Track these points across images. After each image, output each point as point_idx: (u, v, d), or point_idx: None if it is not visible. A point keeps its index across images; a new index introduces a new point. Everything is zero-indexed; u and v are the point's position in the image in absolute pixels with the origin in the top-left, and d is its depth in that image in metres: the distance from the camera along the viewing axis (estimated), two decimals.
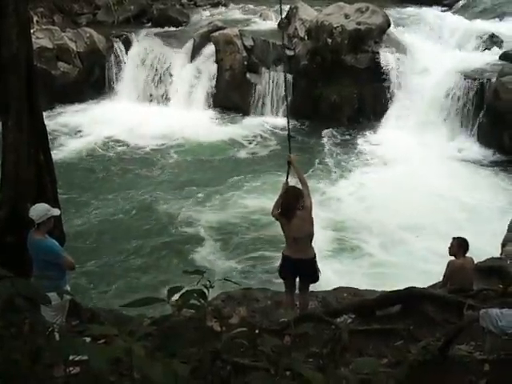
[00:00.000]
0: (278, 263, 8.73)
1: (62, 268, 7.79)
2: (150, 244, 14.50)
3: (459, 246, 9.04)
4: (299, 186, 8.51)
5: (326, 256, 13.72)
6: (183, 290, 2.87)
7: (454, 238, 9.14)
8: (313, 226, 8.11)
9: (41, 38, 22.04)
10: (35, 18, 22.86)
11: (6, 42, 9.16)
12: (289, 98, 21.70)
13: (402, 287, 8.75)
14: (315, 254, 8.21)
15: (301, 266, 8.10)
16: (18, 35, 9.15)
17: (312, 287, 8.74)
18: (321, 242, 14.45)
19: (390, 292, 8.95)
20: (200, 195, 16.85)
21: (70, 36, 23.40)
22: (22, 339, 3.26)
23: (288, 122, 9.44)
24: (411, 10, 24.25)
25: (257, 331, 7.17)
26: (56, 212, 7.95)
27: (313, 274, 8.22)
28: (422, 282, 9.58)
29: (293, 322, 7.58)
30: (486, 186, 17.14)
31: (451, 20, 22.93)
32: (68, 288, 7.88)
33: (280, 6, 10.99)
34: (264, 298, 9.27)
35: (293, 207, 8.03)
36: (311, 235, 8.13)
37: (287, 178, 8.73)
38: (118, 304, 10.87)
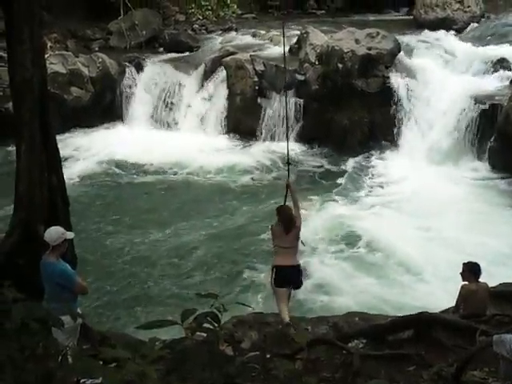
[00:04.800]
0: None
1: (74, 291, 7.81)
2: (160, 269, 14.47)
3: (469, 270, 9.00)
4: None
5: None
6: (196, 313, 2.88)
7: (464, 263, 9.11)
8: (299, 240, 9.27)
9: (54, 63, 22.24)
10: (49, 44, 23.11)
11: (20, 68, 9.28)
12: (299, 123, 21.91)
13: (413, 312, 8.72)
14: (299, 264, 9.28)
15: (292, 272, 9.08)
16: (32, 61, 9.27)
17: (323, 312, 8.86)
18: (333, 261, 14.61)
19: (402, 317, 8.90)
20: (208, 220, 16.76)
21: (83, 61, 23.61)
22: (34, 361, 3.27)
23: (288, 150, 10.13)
24: (421, 35, 24.30)
25: (268, 356, 7.16)
26: (70, 235, 7.99)
27: (299, 281, 9.22)
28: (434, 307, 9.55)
29: (305, 347, 7.55)
30: (496, 209, 17.03)
31: (461, 45, 22.98)
32: (79, 311, 7.89)
33: (283, 30, 11.87)
34: (275, 322, 9.22)
35: (291, 221, 9.12)
36: (297, 248, 9.26)
37: (285, 201, 9.66)
38: (129, 327, 10.89)
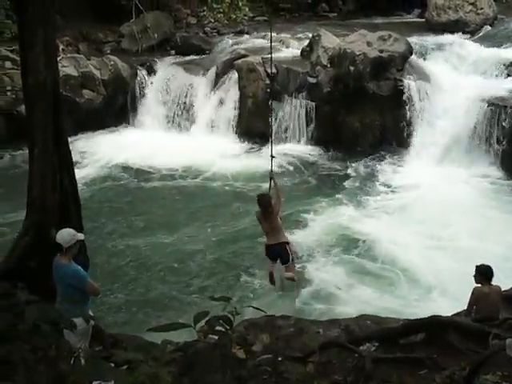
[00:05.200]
0: None
1: (86, 293, 7.83)
2: (172, 271, 14.48)
3: (481, 273, 8.96)
4: None
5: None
6: (209, 316, 2.88)
7: (477, 266, 9.07)
8: (278, 222, 10.28)
9: (66, 66, 22.34)
10: (61, 47, 23.21)
11: (33, 71, 9.31)
12: (311, 125, 21.91)
13: (425, 315, 8.68)
14: (287, 242, 10.27)
15: (275, 248, 10.19)
16: (45, 64, 9.29)
17: (335, 315, 8.86)
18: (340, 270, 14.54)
19: (414, 320, 8.86)
20: (218, 224, 16.73)
21: (95, 64, 23.71)
22: (47, 363, 3.27)
23: (271, 143, 11.91)
24: (433, 37, 24.25)
25: (280, 359, 7.14)
26: (81, 236, 8.02)
27: (284, 255, 10.16)
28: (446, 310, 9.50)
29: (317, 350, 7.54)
30: (509, 213, 16.94)
31: (473, 47, 22.89)
32: (91, 313, 7.91)
33: (271, 34, 12.83)
34: (287, 326, 9.21)
35: (268, 208, 10.08)
36: (279, 229, 10.22)
37: (269, 190, 10.63)
38: (141, 330, 10.90)
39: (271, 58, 13.33)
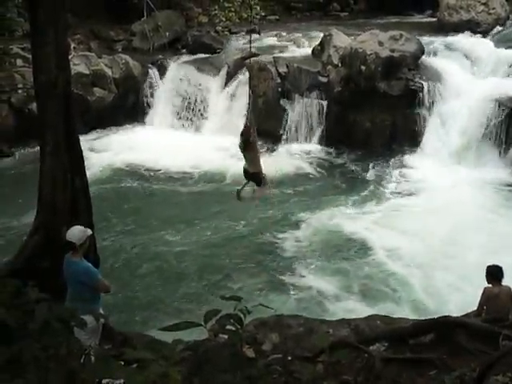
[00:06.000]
0: None
1: (97, 291, 7.86)
2: (180, 271, 14.49)
3: (491, 273, 8.94)
4: None
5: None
6: (220, 315, 2.87)
7: (488, 266, 9.05)
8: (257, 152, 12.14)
9: (77, 64, 22.38)
10: (72, 45, 23.27)
11: (44, 69, 9.32)
12: (322, 125, 21.87)
13: (435, 315, 8.66)
14: (261, 171, 11.78)
15: (253, 174, 11.76)
16: (56, 63, 9.30)
17: (344, 315, 8.97)
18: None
19: (424, 320, 8.85)
20: (224, 225, 16.65)
21: (106, 62, 23.77)
22: (57, 361, 3.28)
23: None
24: (445, 37, 24.15)
25: (289, 358, 7.15)
26: (89, 231, 8.05)
27: (258, 181, 11.81)
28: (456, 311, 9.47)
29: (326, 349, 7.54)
30: None
31: (485, 47, 22.77)
32: (101, 311, 7.93)
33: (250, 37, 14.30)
34: (296, 325, 9.21)
35: (249, 138, 11.68)
36: (258, 159, 11.98)
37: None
38: (149, 328, 10.91)
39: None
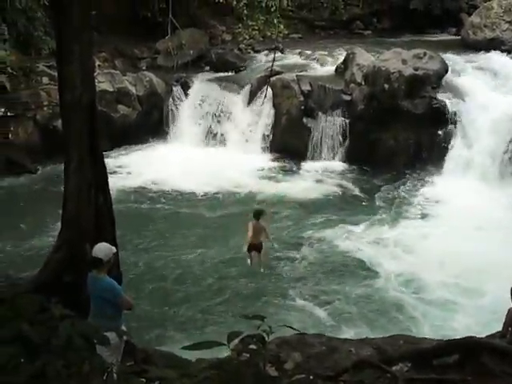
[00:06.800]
0: None
1: (120, 307, 7.87)
2: (204, 289, 14.42)
3: None
4: None
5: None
6: (243, 335, 2.86)
7: None
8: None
9: (102, 82, 22.57)
10: (97, 62, 23.47)
11: (69, 87, 9.41)
12: (346, 143, 21.85)
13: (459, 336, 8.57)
14: (262, 242, 14.72)
15: (256, 245, 14.80)
16: (81, 80, 9.39)
17: (366, 334, 8.83)
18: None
19: (448, 341, 8.75)
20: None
21: (131, 80, 23.95)
22: (80, 378, 3.29)
23: None
24: (469, 55, 24.09)
25: (312, 377, 7.10)
26: (114, 249, 8.10)
27: (260, 248, 14.86)
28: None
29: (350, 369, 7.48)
30: None
31: (510, 65, 22.69)
32: (124, 328, 7.94)
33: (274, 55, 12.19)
34: (318, 344, 9.15)
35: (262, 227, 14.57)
36: (262, 234, 14.81)
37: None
38: (170, 345, 10.88)
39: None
